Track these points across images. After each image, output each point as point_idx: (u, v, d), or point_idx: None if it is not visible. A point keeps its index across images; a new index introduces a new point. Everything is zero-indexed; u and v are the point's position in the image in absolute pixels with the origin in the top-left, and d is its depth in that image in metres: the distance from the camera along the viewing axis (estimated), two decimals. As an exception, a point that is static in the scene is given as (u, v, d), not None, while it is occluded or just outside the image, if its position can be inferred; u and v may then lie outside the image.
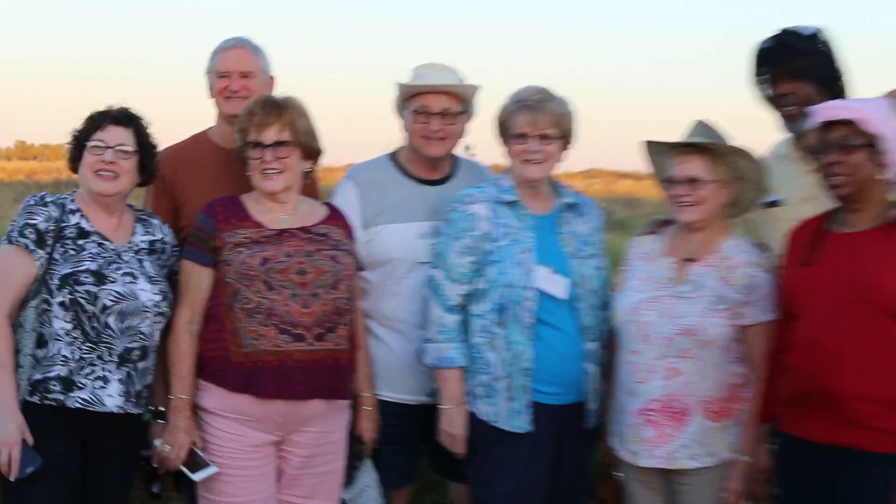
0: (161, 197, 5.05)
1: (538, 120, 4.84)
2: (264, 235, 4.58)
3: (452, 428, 4.86)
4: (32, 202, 4.54)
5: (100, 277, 4.41)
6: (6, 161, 68.60)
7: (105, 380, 4.44)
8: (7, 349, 4.31)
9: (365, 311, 5.03)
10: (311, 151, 4.76)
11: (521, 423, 4.78)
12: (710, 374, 4.62)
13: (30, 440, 4.26)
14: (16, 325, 4.40)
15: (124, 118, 4.60)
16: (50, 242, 4.42)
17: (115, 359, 4.45)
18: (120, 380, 4.47)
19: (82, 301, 4.37)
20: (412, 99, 5.12)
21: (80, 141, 4.55)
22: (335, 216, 4.85)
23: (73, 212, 4.53)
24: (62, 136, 4.68)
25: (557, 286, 4.84)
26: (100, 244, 4.50)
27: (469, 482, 5.08)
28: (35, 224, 4.43)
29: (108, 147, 4.49)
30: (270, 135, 4.56)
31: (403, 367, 5.07)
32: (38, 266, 4.40)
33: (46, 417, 4.36)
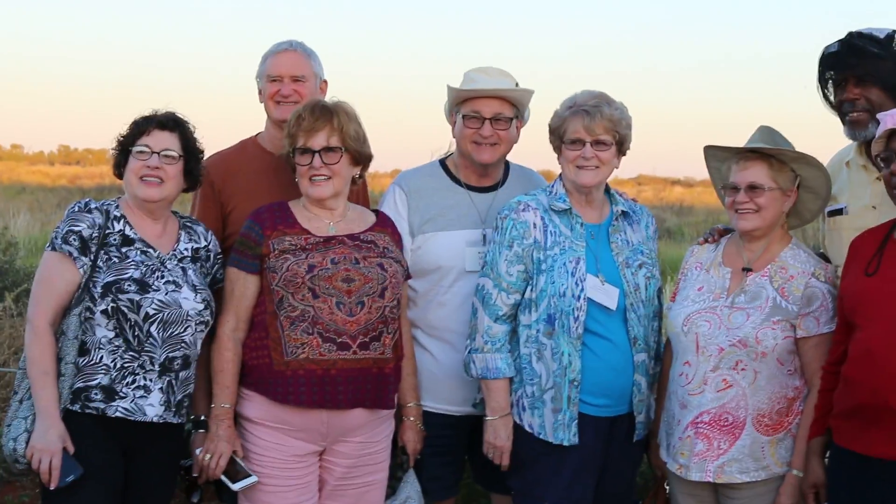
0: (209, 203, 5.04)
1: (594, 125, 4.81)
2: (311, 242, 4.56)
3: (498, 439, 4.84)
4: (76, 208, 4.52)
5: (143, 286, 4.41)
6: (49, 166, 68.97)
7: (146, 389, 4.43)
8: (50, 357, 4.30)
9: (411, 320, 5.01)
10: (361, 157, 4.74)
11: (567, 435, 4.75)
12: (764, 387, 4.60)
13: (71, 449, 4.25)
14: (58, 332, 4.39)
15: (170, 123, 4.59)
16: (94, 250, 4.42)
17: (157, 368, 4.45)
18: (161, 389, 4.47)
19: (125, 309, 4.37)
20: (463, 104, 5.10)
21: (125, 146, 4.55)
22: (384, 223, 4.84)
23: (117, 218, 4.52)
24: (106, 141, 4.67)
25: (608, 296, 4.81)
26: (143, 252, 4.50)
27: (513, 495, 5.05)
28: (79, 231, 4.42)
29: (153, 152, 4.49)
30: (319, 140, 4.55)
31: (449, 378, 5.05)
32: (81, 273, 4.39)
33: (87, 426, 4.35)
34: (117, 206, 4.57)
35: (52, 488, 4.26)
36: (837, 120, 5.00)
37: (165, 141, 4.52)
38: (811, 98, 5.00)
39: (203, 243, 4.71)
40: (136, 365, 4.41)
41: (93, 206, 4.54)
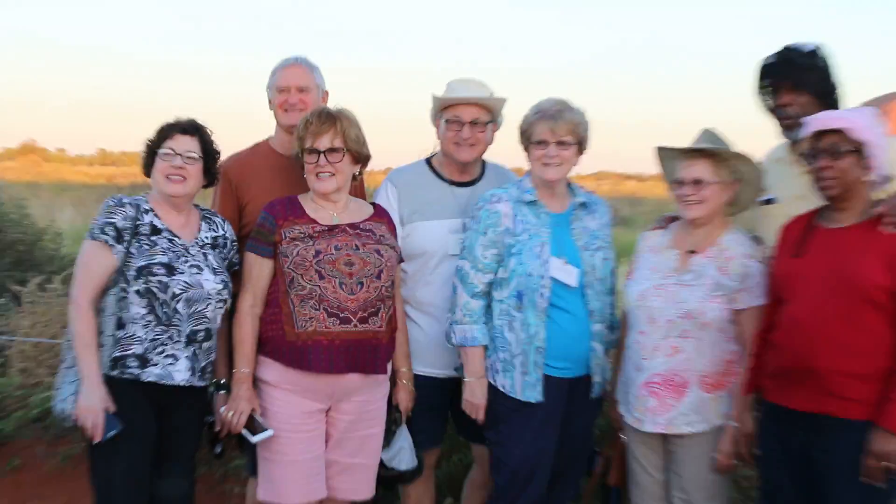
0: (227, 197, 5.16)
1: (557, 128, 4.91)
2: (317, 231, 4.69)
3: (475, 398, 4.97)
4: (111, 203, 4.67)
5: (170, 269, 4.57)
6: (89, 167, 69.44)
7: (175, 357, 4.59)
8: (91, 331, 4.48)
9: (402, 297, 5.10)
10: (360, 157, 4.87)
11: (534, 394, 4.88)
12: (707, 352, 4.74)
13: (111, 409, 4.41)
14: (98, 310, 4.55)
15: (191, 128, 4.75)
16: (127, 238, 4.57)
17: (183, 339, 4.61)
18: (187, 357, 4.63)
19: (155, 290, 4.53)
20: (446, 110, 5.22)
21: (153, 149, 4.71)
22: (380, 214, 4.98)
23: (146, 211, 4.67)
24: (137, 145, 4.82)
25: (569, 275, 4.93)
26: (170, 240, 4.65)
27: (488, 444, 5.17)
28: (114, 222, 4.57)
29: (176, 154, 4.64)
30: (324, 142, 4.67)
31: (434, 346, 5.17)
32: (116, 259, 4.54)
33: (125, 389, 4.50)
34: (146, 201, 4.72)
35: (95, 442, 4.42)
36: (771, 122, 5.08)
37: (187, 144, 4.68)
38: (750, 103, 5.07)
39: (221, 232, 4.86)
40: (165, 337, 4.56)
41: (125, 200, 4.69)
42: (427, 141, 5.40)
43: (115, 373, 4.49)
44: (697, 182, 4.70)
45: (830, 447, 4.21)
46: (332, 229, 4.70)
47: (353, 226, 4.76)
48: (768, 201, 5.03)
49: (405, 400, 5.01)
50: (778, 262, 4.53)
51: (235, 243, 4.89)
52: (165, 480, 4.70)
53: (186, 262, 4.60)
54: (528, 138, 4.99)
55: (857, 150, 4.20)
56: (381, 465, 4.96)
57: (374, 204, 5.06)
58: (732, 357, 4.77)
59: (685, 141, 4.84)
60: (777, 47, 4.90)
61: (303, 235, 4.65)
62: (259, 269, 4.68)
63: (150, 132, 4.73)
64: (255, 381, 4.70)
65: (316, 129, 4.68)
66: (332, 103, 5.05)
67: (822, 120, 4.29)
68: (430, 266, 5.16)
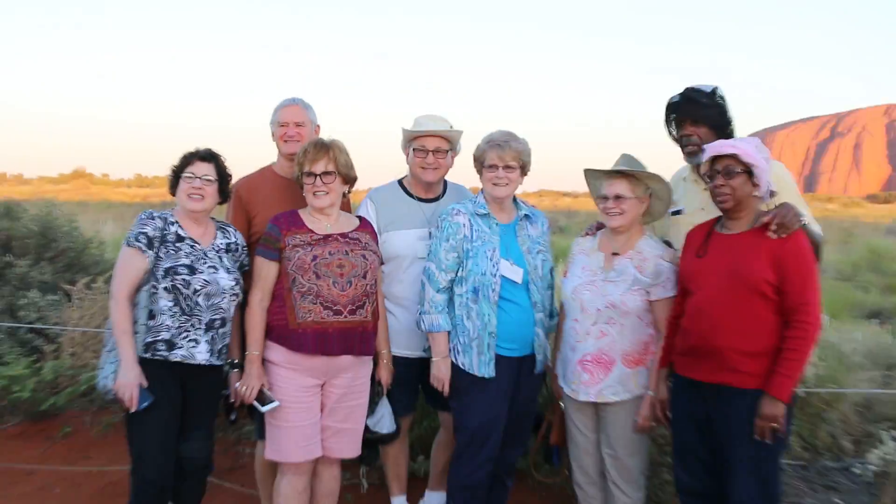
0: (238, 211, 5.18)
1: (504, 155, 4.98)
2: (314, 239, 4.75)
3: (440, 373, 5.01)
4: (144, 216, 4.74)
5: (192, 269, 4.64)
6: (128, 188, 71.10)
7: (196, 341, 4.67)
8: (128, 321, 4.55)
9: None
10: (349, 179, 4.93)
11: (488, 370, 4.93)
12: (628, 335, 4.82)
13: (144, 384, 4.49)
14: (133, 303, 4.61)
15: (207, 156, 4.83)
16: (156, 245, 4.65)
17: (203, 327, 4.68)
18: (206, 341, 4.70)
19: (180, 286, 4.60)
20: (414, 140, 5.26)
21: (177, 173, 4.79)
22: (364, 225, 5.02)
23: (172, 223, 4.73)
24: (165, 170, 4.85)
25: (515, 274, 4.98)
26: (191, 246, 4.71)
27: (452, 411, 5.19)
28: (146, 232, 4.64)
29: (196, 177, 4.73)
30: (320, 167, 4.74)
31: (407, 332, 5.20)
32: (148, 262, 4.62)
33: (156, 368, 4.58)
34: (172, 215, 4.79)
35: (131, 412, 4.51)
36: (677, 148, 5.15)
37: (205, 169, 4.77)
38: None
39: (233, 239, 4.92)
40: (188, 325, 4.63)
41: (155, 214, 4.75)
42: (400, 166, 5.45)
43: (147, 355, 4.56)
44: (618, 197, 4.80)
45: (728, 412, 4.31)
46: (326, 238, 4.76)
47: (343, 235, 4.82)
48: (677, 212, 5.12)
49: (385, 376, 5.05)
50: (684, 261, 4.62)
51: (245, 248, 4.93)
52: (189, 443, 4.77)
53: (205, 263, 4.67)
54: (480, 163, 5.04)
55: (747, 171, 4.31)
56: (366, 429, 4.99)
57: (359, 217, 5.09)
58: (649, 339, 4.85)
59: (608, 164, 4.92)
60: (681, 88, 4.97)
61: (303, 243, 4.70)
62: (267, 269, 4.72)
63: (174, 159, 4.81)
64: (263, 362, 4.74)
65: (313, 157, 4.75)
66: (325, 134, 5.11)
67: (717, 147, 4.38)
68: (402, 267, 5.19)
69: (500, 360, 4.95)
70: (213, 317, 4.69)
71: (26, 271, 8.87)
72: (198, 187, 4.71)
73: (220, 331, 4.75)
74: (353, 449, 4.97)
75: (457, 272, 4.99)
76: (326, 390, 4.82)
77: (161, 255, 4.62)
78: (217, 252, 4.76)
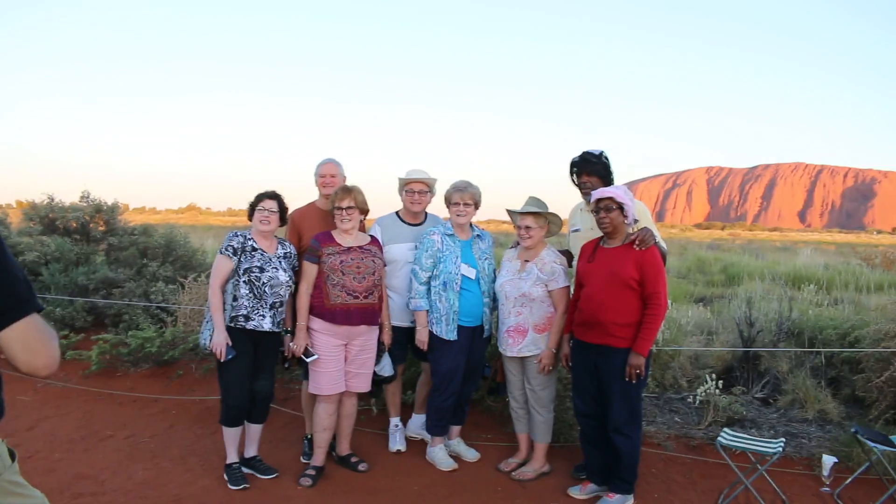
0: (293, 232, 5.11)
1: (464, 196, 5.00)
2: (342, 250, 4.73)
3: (422, 337, 5.00)
4: (231, 234, 4.74)
5: (262, 269, 4.62)
6: (222, 217, 71.69)
7: (264, 316, 4.63)
8: (219, 302, 4.55)
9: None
10: (364, 211, 4.89)
11: (452, 335, 4.93)
12: (536, 313, 4.84)
13: (229, 343, 4.50)
14: (223, 291, 4.59)
15: (273, 195, 4.81)
16: (239, 253, 4.63)
17: (268, 306, 4.64)
18: (270, 316, 4.66)
19: (254, 280, 4.59)
20: (406, 185, 5.21)
21: (253, 206, 4.76)
22: (374, 241, 4.97)
23: (249, 239, 4.70)
24: (245, 205, 4.82)
25: (471, 273, 4.98)
26: (262, 254, 4.67)
27: (430, 362, 5.17)
28: (232, 244, 4.63)
29: (265, 210, 4.70)
30: (345, 203, 4.73)
31: (400, 310, 5.15)
32: (233, 264, 4.60)
33: (237, 333, 4.57)
34: (250, 234, 4.74)
35: (221, 360, 4.51)
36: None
37: (271, 204, 4.74)
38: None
39: (289, 250, 4.85)
40: (258, 305, 4.60)
41: (238, 233, 4.73)
42: (396, 202, 5.41)
43: (231, 324, 4.55)
44: (528, 227, 4.85)
45: (609, 362, 4.36)
46: (349, 249, 4.73)
47: (360, 247, 4.78)
48: (576, 230, 5.11)
49: (387, 338, 4.99)
50: (580, 265, 4.61)
51: (296, 256, 4.87)
52: (258, 382, 4.74)
53: (271, 265, 4.62)
54: (448, 201, 5.04)
55: (620, 207, 4.35)
56: (374, 373, 4.95)
57: (371, 235, 5.04)
58: (551, 314, 4.85)
59: (521, 204, 4.94)
60: (579, 151, 4.99)
61: (334, 252, 4.68)
62: (311, 269, 4.69)
63: (251, 197, 4.78)
64: (308, 329, 4.70)
65: (341, 197, 4.74)
66: (349, 182, 5.09)
67: (600, 192, 4.43)
68: (398, 267, 5.13)
69: (460, 329, 4.95)
70: (275, 300, 4.65)
71: (156, 269, 8.86)
72: (266, 216, 4.68)
73: (280, 309, 4.70)
74: (365, 386, 4.93)
75: (433, 272, 4.97)
76: (348, 348, 4.78)
77: (242, 259, 4.60)
78: (278, 258, 4.71)
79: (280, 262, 4.72)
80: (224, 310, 4.57)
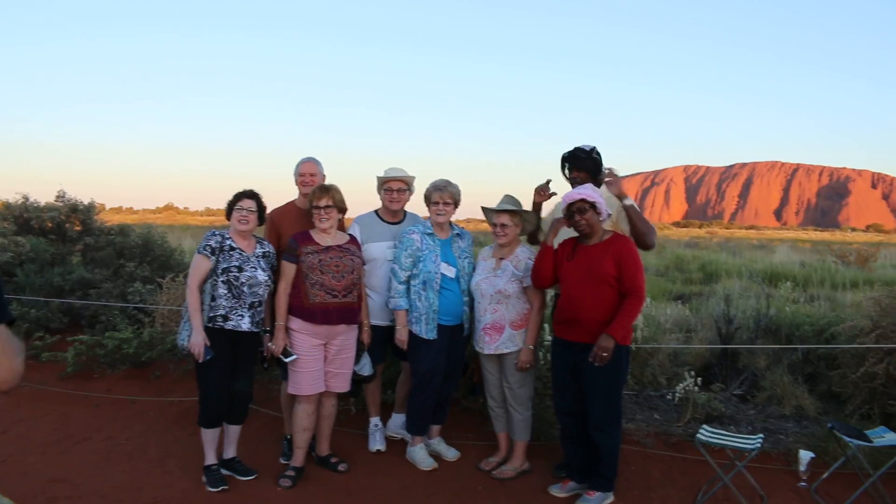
0: (271, 230, 5.08)
1: (443, 195, 4.99)
2: (320, 249, 4.69)
3: (402, 336, 4.99)
4: (209, 234, 4.71)
5: (240, 269, 4.58)
6: (200, 216, 70.97)
7: (242, 316, 4.61)
8: (197, 302, 4.52)
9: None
10: (342, 209, 4.86)
11: (432, 335, 4.93)
12: (512, 310, 4.85)
13: (208, 343, 4.47)
14: (201, 291, 4.56)
15: (251, 194, 4.78)
16: (217, 252, 4.59)
17: (247, 306, 4.61)
18: (250, 316, 4.63)
19: (232, 280, 4.56)
20: (384, 183, 5.20)
21: (231, 206, 4.72)
22: (353, 241, 4.95)
23: (227, 238, 4.67)
24: (224, 204, 4.78)
25: (450, 272, 4.97)
26: (240, 253, 4.64)
27: (409, 361, 5.17)
28: (210, 244, 4.60)
29: (244, 209, 4.68)
30: (323, 202, 4.71)
31: (379, 309, 5.13)
32: (211, 263, 4.57)
33: (216, 333, 4.54)
34: (228, 233, 4.70)
35: (199, 361, 4.48)
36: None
37: (249, 203, 4.71)
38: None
39: (268, 249, 4.83)
40: (237, 305, 4.57)
41: (216, 233, 4.70)
42: (375, 201, 5.40)
43: (210, 325, 4.51)
44: (503, 225, 4.88)
45: (587, 359, 4.32)
46: (328, 248, 4.70)
47: (338, 246, 4.75)
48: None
49: (366, 337, 4.96)
50: (560, 263, 4.59)
51: (275, 255, 4.84)
52: (237, 382, 4.71)
53: (249, 265, 4.59)
54: (428, 199, 5.03)
55: (594, 207, 4.38)
56: (354, 373, 4.94)
57: (350, 234, 5.01)
58: (527, 311, 4.86)
59: (496, 202, 4.96)
60: (571, 146, 4.98)
61: (313, 251, 4.65)
62: (289, 269, 4.65)
63: (229, 196, 4.75)
64: (286, 329, 4.67)
65: (319, 196, 4.72)
66: (328, 181, 5.07)
67: (569, 196, 4.47)
68: (377, 266, 5.11)
69: (440, 328, 4.94)
70: (254, 300, 4.61)
71: (133, 270, 8.76)
72: (244, 215, 4.65)
73: (258, 309, 4.67)
74: (345, 386, 4.91)
75: (412, 271, 4.95)
76: (328, 347, 4.76)
77: (220, 259, 4.56)
78: (257, 258, 4.68)
79: (259, 261, 4.68)
80: (202, 310, 4.53)
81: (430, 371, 4.99)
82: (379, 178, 5.25)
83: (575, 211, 4.42)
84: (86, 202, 9.55)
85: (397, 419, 5.59)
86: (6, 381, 1.64)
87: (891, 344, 5.46)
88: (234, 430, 4.91)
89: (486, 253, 5.11)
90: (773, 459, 5.22)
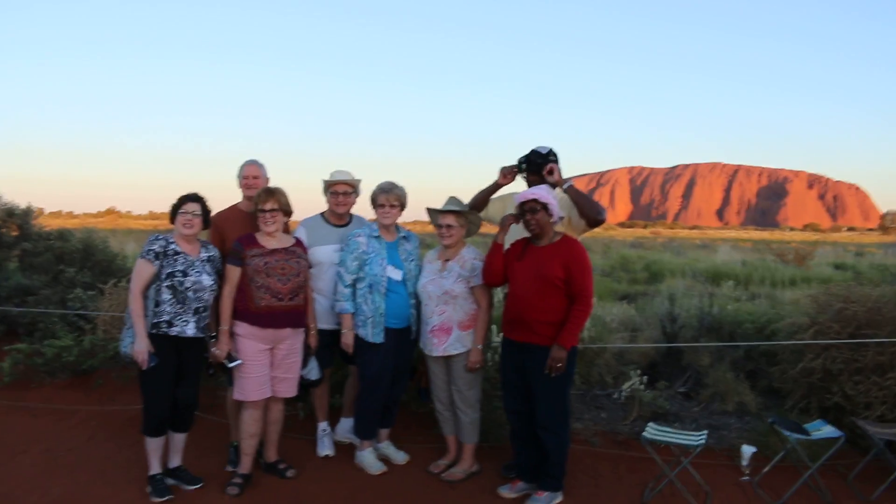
0: (215, 234, 5.01)
1: (389, 197, 4.98)
2: (266, 252, 4.66)
3: (348, 340, 4.98)
4: (152, 238, 4.61)
5: (185, 273, 4.51)
6: (143, 220, 69.47)
7: (187, 322, 4.53)
8: (140, 308, 4.42)
9: (311, 286, 4.99)
10: (287, 212, 4.83)
11: (379, 338, 4.91)
12: (460, 310, 4.86)
13: (152, 350, 4.39)
14: (145, 296, 4.47)
15: (196, 197, 4.70)
16: (161, 257, 4.51)
17: (192, 311, 4.54)
18: (195, 321, 4.56)
19: (176, 285, 4.48)
20: (330, 186, 5.19)
21: (175, 209, 4.64)
22: (299, 243, 4.91)
23: (172, 242, 4.59)
24: (168, 207, 4.70)
25: (397, 274, 4.96)
26: (185, 258, 4.55)
27: (357, 365, 5.14)
28: (154, 248, 4.52)
29: (188, 213, 4.60)
30: (268, 206, 4.68)
31: (326, 312, 5.10)
32: (155, 268, 4.48)
33: (160, 340, 4.46)
34: (172, 237, 4.63)
35: (143, 368, 4.40)
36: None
37: (194, 207, 4.63)
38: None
39: (213, 253, 4.75)
40: (182, 310, 4.50)
41: (160, 237, 4.62)
42: (321, 203, 5.35)
43: (154, 331, 4.43)
44: (448, 226, 4.89)
45: (535, 360, 4.39)
46: (273, 251, 4.66)
47: (284, 249, 4.72)
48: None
49: (313, 341, 4.93)
50: (509, 263, 4.61)
51: (220, 259, 4.77)
52: (182, 389, 4.62)
53: (194, 269, 4.51)
54: (374, 202, 5.01)
55: (545, 207, 4.39)
56: (301, 377, 4.91)
57: (296, 237, 4.97)
58: (474, 311, 4.87)
59: (441, 203, 4.98)
60: (521, 148, 5.03)
61: (258, 254, 4.61)
62: (234, 272, 4.60)
63: (173, 199, 4.67)
64: (231, 334, 4.63)
65: (264, 199, 4.68)
66: (272, 183, 5.01)
67: (522, 195, 4.48)
68: (324, 269, 5.07)
69: (387, 331, 4.93)
70: (199, 305, 4.54)
71: (74, 275, 8.60)
72: (189, 219, 4.58)
73: (203, 314, 4.60)
74: (292, 390, 4.88)
75: (358, 274, 4.93)
76: (274, 352, 4.72)
77: (164, 264, 4.48)
78: (202, 262, 4.60)
79: (204, 265, 4.60)
80: (146, 316, 4.45)
81: (378, 375, 4.97)
82: (325, 182, 5.22)
83: (527, 210, 4.45)
84: (23, 206, 9.33)
85: (345, 423, 5.56)
86: None
87: (828, 340, 5.59)
88: (179, 438, 4.83)
89: (431, 256, 5.10)
90: (716, 455, 5.33)
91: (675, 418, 5.97)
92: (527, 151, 4.94)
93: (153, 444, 4.66)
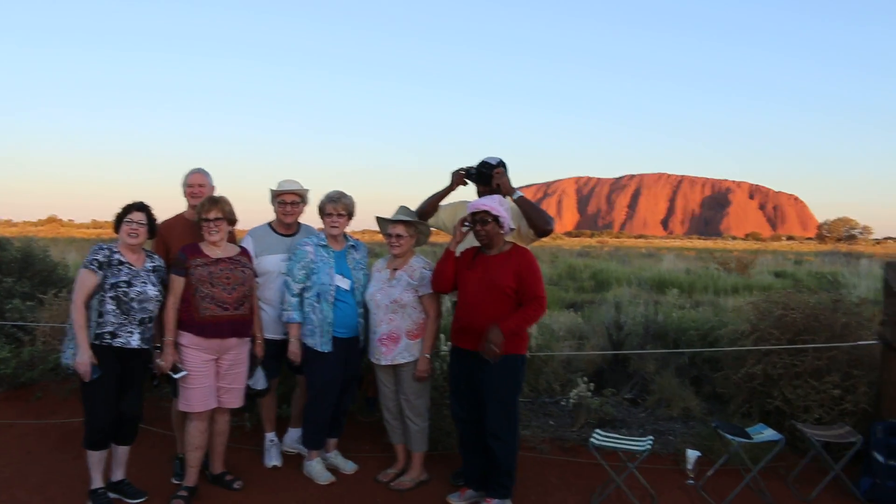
0: (160, 244, 4.95)
1: (337, 207, 4.98)
2: (210, 261, 4.62)
3: (295, 350, 4.95)
4: (96, 247, 4.54)
5: (129, 284, 4.45)
6: (86, 229, 67.81)
7: (131, 333, 4.46)
8: (83, 319, 4.35)
9: (257, 296, 4.94)
10: (232, 221, 4.79)
11: (327, 347, 4.89)
12: (408, 319, 4.87)
13: (95, 362, 4.32)
14: (88, 307, 4.39)
15: (141, 207, 4.64)
16: (105, 267, 4.44)
17: (136, 322, 4.47)
18: (139, 332, 4.49)
19: (121, 295, 4.41)
20: (278, 196, 5.17)
21: (120, 218, 4.58)
22: (244, 252, 4.88)
23: (116, 252, 4.53)
24: (112, 216, 4.63)
25: (345, 284, 4.96)
26: (129, 268, 4.49)
27: (305, 374, 5.10)
28: (97, 258, 4.45)
29: (133, 222, 4.54)
30: (212, 215, 4.64)
31: (273, 322, 5.07)
32: (98, 278, 4.41)
33: (103, 351, 4.39)
34: (116, 246, 4.56)
35: (86, 381, 4.33)
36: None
37: (139, 216, 4.58)
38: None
39: (158, 263, 4.69)
40: (126, 321, 4.43)
41: (104, 246, 4.55)
42: (269, 213, 5.32)
43: (97, 342, 4.36)
44: (398, 236, 4.90)
45: (484, 369, 4.39)
46: (217, 260, 4.63)
47: (229, 258, 4.68)
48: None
49: (260, 350, 4.89)
50: (460, 271, 4.64)
51: (165, 269, 4.70)
52: (126, 401, 4.54)
53: (139, 279, 4.45)
54: (322, 211, 5.01)
55: (496, 219, 4.44)
56: (247, 387, 4.86)
57: (241, 246, 4.94)
58: (423, 320, 4.89)
59: (391, 213, 5.00)
60: (478, 160, 4.99)
61: (202, 264, 4.57)
62: (178, 283, 4.55)
63: (118, 209, 4.60)
64: (176, 345, 4.57)
65: (208, 208, 4.65)
66: (217, 192, 4.98)
67: (474, 205, 4.51)
68: (271, 279, 5.05)
69: (335, 340, 4.91)
70: (143, 316, 4.47)
71: (11, 285, 8.36)
72: (134, 228, 4.52)
73: (148, 325, 4.53)
74: (238, 401, 4.83)
75: (305, 283, 4.92)
76: (219, 362, 4.67)
77: (108, 274, 4.41)
78: (147, 272, 4.54)
79: (149, 276, 4.54)
80: (88, 327, 4.37)
81: (326, 384, 4.95)
82: (272, 191, 5.20)
83: (477, 220, 4.49)
84: (-42, 215, 9.08)
85: (293, 434, 5.51)
86: None
87: (768, 346, 5.74)
88: (122, 451, 4.74)
89: (380, 265, 5.10)
90: (662, 460, 5.42)
91: (622, 424, 6.06)
92: (476, 162, 5.00)
93: (95, 458, 4.57)
